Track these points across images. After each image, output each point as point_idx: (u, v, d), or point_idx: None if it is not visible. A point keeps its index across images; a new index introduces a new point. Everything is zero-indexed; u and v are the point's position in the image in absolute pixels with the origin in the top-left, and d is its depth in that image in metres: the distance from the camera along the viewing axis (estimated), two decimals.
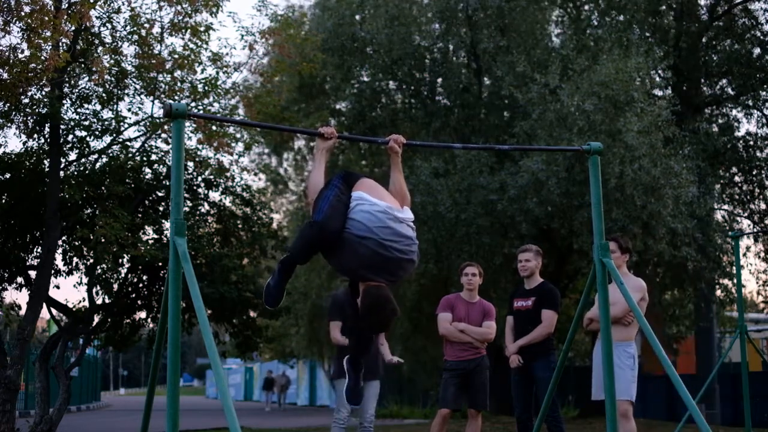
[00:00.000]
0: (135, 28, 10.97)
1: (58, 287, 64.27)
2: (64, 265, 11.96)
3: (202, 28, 11.15)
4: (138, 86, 11.44)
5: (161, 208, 12.35)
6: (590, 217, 4.98)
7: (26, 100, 10.83)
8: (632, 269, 8.91)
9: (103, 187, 11.39)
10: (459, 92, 16.45)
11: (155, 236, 12.08)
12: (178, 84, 11.34)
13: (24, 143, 11.45)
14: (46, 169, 11.22)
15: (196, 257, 11.60)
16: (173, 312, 3.87)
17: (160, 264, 11.19)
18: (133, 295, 12.35)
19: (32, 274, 11.45)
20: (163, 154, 12.08)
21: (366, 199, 4.14)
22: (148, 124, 11.66)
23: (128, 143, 12.03)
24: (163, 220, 12.18)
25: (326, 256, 4.20)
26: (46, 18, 9.33)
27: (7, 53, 9.85)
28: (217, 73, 11.79)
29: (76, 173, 11.63)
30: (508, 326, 7.29)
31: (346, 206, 4.15)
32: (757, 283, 17.44)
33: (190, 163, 12.17)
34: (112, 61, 10.99)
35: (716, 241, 14.86)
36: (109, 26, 11.13)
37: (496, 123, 16.53)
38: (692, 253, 13.50)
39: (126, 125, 11.70)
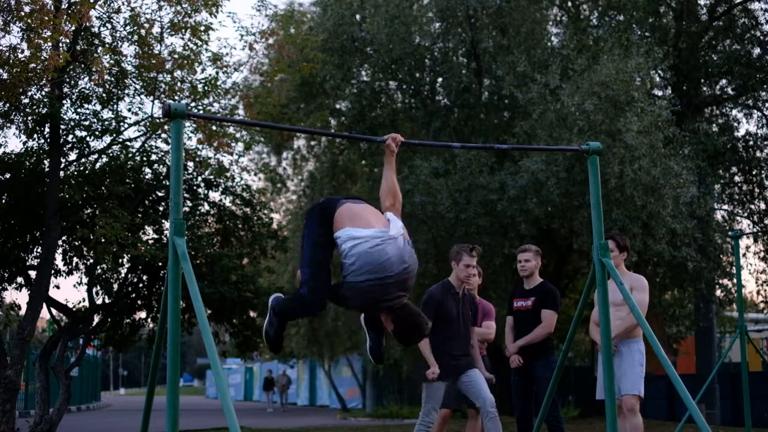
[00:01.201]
0: (135, 28, 10.97)
1: (58, 287, 64.40)
2: (64, 265, 11.97)
3: (201, 28, 11.15)
4: (138, 86, 11.44)
5: (161, 208, 12.36)
6: (590, 217, 4.97)
7: (26, 100, 10.84)
8: (631, 269, 8.90)
9: (103, 187, 11.40)
10: (459, 92, 16.44)
11: (155, 236, 12.09)
12: (178, 84, 11.34)
13: (24, 143, 11.47)
14: (46, 169, 11.22)
15: (196, 257, 11.61)
16: (173, 312, 3.87)
17: (160, 264, 11.19)
18: (133, 295, 12.36)
19: (32, 274, 11.46)
20: (163, 154, 12.08)
21: (355, 236, 4.04)
22: (148, 124, 11.66)
23: (128, 143, 12.04)
24: (163, 220, 12.19)
25: (335, 303, 4.22)
26: (46, 18, 9.33)
27: (7, 53, 9.85)
28: (217, 73, 11.79)
29: (76, 173, 11.64)
30: (508, 326, 7.29)
31: (329, 250, 4.15)
32: (756, 283, 17.43)
33: (190, 163, 12.17)
34: (112, 61, 10.99)
35: (716, 241, 14.86)
36: (109, 26, 11.14)
37: (496, 123, 16.51)
38: (692, 253, 13.49)
39: (126, 125, 11.70)
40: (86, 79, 11.35)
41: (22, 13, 9.62)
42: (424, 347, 6.60)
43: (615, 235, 6.78)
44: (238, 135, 12.46)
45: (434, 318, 6.51)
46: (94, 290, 11.90)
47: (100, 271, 11.80)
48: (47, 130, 11.18)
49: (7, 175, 11.42)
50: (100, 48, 11.10)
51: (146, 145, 12.04)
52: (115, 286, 12.14)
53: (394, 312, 4.07)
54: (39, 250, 11.54)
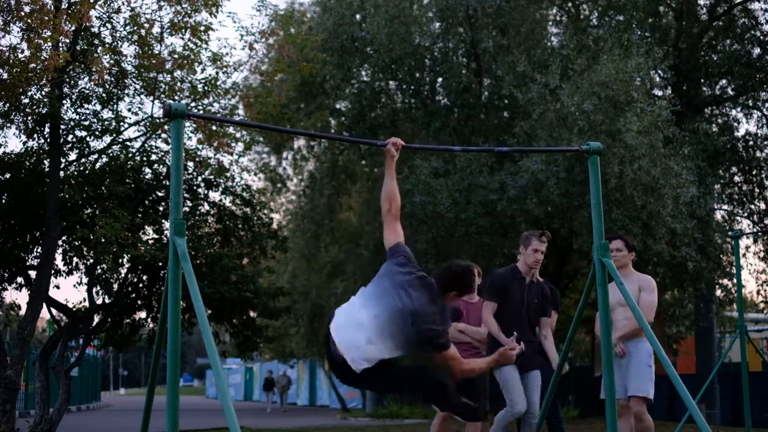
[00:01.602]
0: (135, 28, 10.96)
1: (58, 287, 64.42)
2: (64, 265, 11.97)
3: (201, 28, 11.14)
4: (138, 86, 11.44)
5: (161, 208, 12.36)
6: (590, 217, 4.97)
7: (26, 100, 10.83)
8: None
9: (103, 187, 11.40)
10: (459, 92, 16.45)
11: (155, 236, 12.10)
12: (178, 84, 11.34)
13: (24, 143, 11.47)
14: (46, 169, 11.22)
15: (196, 257, 11.61)
16: (173, 312, 3.87)
17: (160, 264, 11.19)
18: (133, 295, 12.36)
19: (32, 274, 11.46)
20: (163, 154, 12.08)
21: (377, 355, 4.02)
22: (147, 124, 11.66)
23: (128, 143, 12.04)
24: (163, 220, 12.19)
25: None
26: (46, 18, 9.33)
27: (7, 53, 9.85)
28: (217, 73, 11.79)
29: (76, 173, 11.64)
30: None
31: (390, 374, 4.10)
32: (756, 283, 17.43)
33: (190, 163, 12.17)
34: (112, 61, 10.99)
35: (716, 241, 14.86)
36: (109, 26, 11.13)
37: (496, 123, 16.52)
38: (692, 253, 13.50)
39: (126, 125, 11.70)
40: (86, 79, 11.35)
41: (22, 13, 9.62)
42: (493, 326, 6.43)
43: (624, 234, 6.76)
44: (238, 135, 12.45)
45: (497, 301, 6.46)
46: (94, 290, 11.90)
47: (100, 271, 11.80)
48: (47, 130, 11.17)
49: (7, 175, 11.42)
50: (100, 48, 11.09)
51: (146, 145, 12.05)
52: (115, 286, 12.14)
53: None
54: (39, 250, 11.54)
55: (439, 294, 4.14)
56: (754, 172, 16.75)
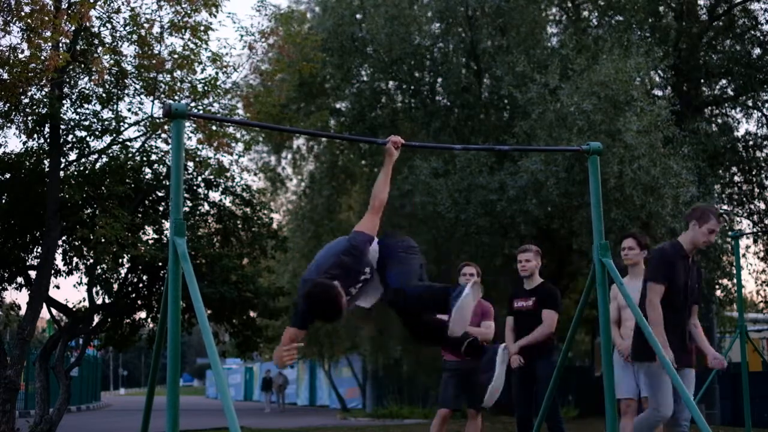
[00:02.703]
0: (135, 28, 10.96)
1: (58, 287, 64.42)
2: (64, 265, 11.97)
3: (201, 28, 11.14)
4: (138, 86, 11.44)
5: (161, 208, 12.36)
6: (590, 217, 4.97)
7: (26, 100, 10.84)
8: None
9: (103, 187, 11.39)
10: (459, 92, 16.45)
11: (155, 236, 12.09)
12: (178, 84, 11.34)
13: (24, 143, 11.47)
14: (46, 169, 11.22)
15: (196, 257, 11.60)
16: (173, 312, 3.87)
17: (160, 264, 11.19)
18: (133, 295, 12.35)
19: (32, 274, 11.45)
20: (163, 154, 12.08)
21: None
22: (147, 124, 11.66)
23: (128, 143, 12.04)
24: (163, 220, 12.18)
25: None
26: (46, 18, 9.34)
27: (7, 53, 9.85)
28: (217, 73, 11.79)
29: (76, 173, 11.64)
30: (508, 327, 7.27)
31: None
32: (756, 283, 17.44)
33: (190, 163, 12.17)
34: (112, 61, 10.99)
35: (716, 241, 14.86)
36: (109, 26, 11.14)
37: (496, 123, 16.53)
38: None
39: (126, 125, 11.70)
40: (86, 79, 11.35)
41: (22, 13, 9.62)
42: (659, 315, 5.38)
43: (635, 233, 6.75)
44: (238, 135, 12.45)
45: (665, 284, 5.46)
46: (94, 290, 11.89)
47: (100, 271, 11.80)
48: (47, 130, 11.17)
49: (7, 175, 11.42)
50: (100, 48, 11.09)
51: (146, 145, 12.05)
52: (115, 286, 12.14)
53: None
54: (39, 250, 11.54)
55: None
56: (754, 172, 16.76)
